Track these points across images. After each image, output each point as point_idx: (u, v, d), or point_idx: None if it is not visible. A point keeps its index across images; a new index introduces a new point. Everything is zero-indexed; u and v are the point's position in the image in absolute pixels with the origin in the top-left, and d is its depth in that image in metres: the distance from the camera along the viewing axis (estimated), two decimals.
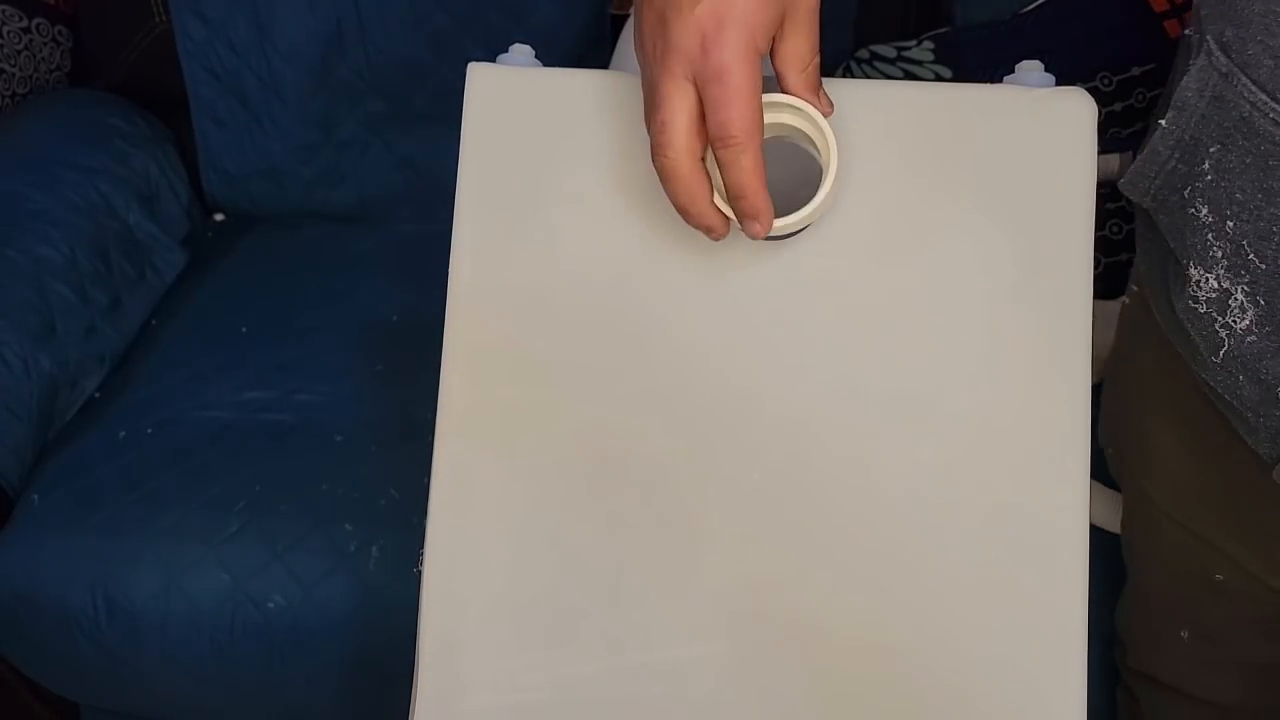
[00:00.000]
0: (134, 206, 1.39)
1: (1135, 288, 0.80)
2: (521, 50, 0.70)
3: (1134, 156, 1.22)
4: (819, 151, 0.62)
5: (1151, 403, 0.79)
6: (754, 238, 0.61)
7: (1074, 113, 0.66)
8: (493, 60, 0.70)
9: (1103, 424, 0.86)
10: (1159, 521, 0.81)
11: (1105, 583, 1.00)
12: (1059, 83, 0.67)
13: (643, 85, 0.61)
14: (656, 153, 0.59)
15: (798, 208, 0.61)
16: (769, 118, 0.60)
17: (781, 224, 0.62)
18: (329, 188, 1.49)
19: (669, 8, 0.57)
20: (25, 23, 1.44)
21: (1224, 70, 0.61)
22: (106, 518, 1.13)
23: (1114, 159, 1.24)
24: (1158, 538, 0.83)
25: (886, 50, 1.31)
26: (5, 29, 1.42)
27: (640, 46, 0.60)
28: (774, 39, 0.59)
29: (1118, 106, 1.26)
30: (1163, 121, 0.65)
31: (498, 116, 0.68)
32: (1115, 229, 1.26)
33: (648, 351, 0.67)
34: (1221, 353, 0.65)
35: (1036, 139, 0.66)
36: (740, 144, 0.58)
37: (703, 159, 0.60)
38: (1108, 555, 1.01)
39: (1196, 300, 0.65)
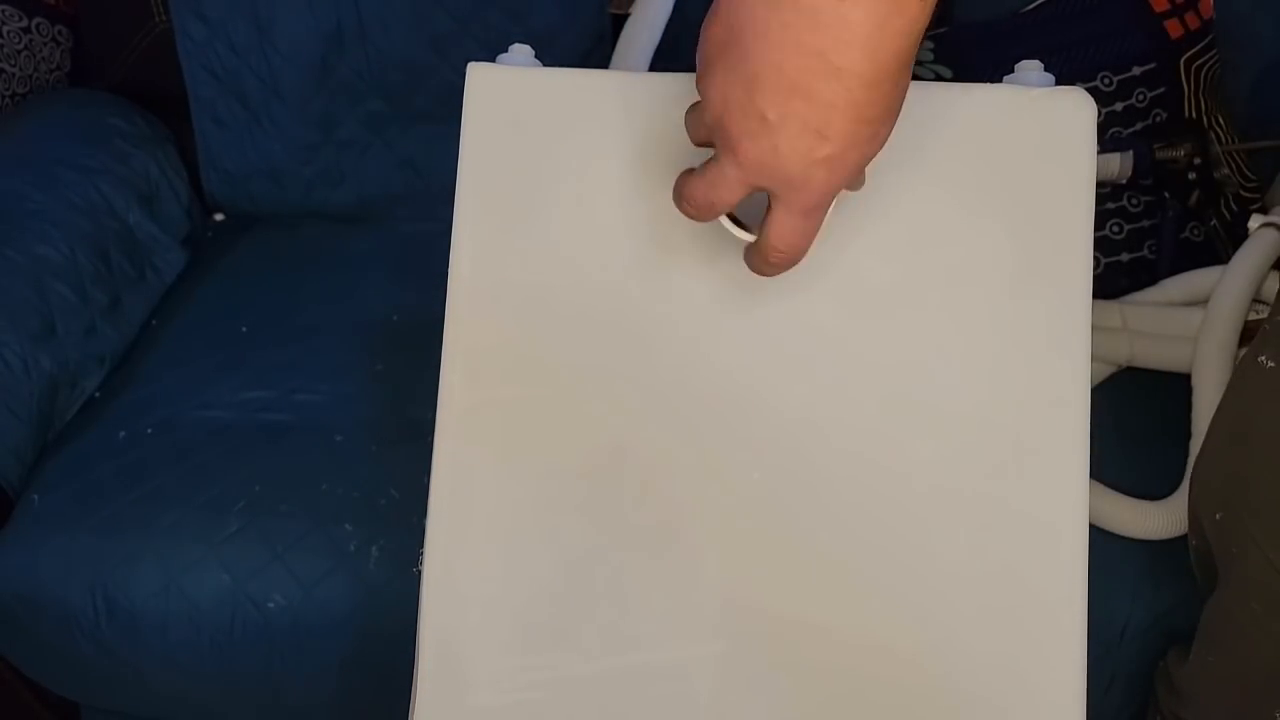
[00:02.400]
0: (134, 206, 1.39)
1: None
2: (521, 50, 0.71)
3: (1135, 156, 1.23)
4: None
5: None
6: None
7: (1073, 112, 0.66)
8: (493, 60, 0.70)
9: (1214, 486, 0.81)
10: None
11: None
12: (1059, 82, 0.67)
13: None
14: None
15: None
16: None
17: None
18: (329, 188, 1.49)
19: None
20: (25, 23, 1.44)
21: None
22: (106, 518, 1.13)
23: (1114, 159, 1.24)
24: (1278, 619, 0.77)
25: None
26: (5, 29, 1.42)
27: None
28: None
29: (1118, 106, 1.26)
30: None
31: (497, 116, 0.68)
32: (1115, 229, 1.26)
33: (647, 351, 0.67)
34: None
35: (1036, 139, 0.66)
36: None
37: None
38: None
39: None
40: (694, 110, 0.60)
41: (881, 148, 0.57)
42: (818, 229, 0.59)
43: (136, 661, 1.13)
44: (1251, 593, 0.80)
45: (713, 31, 0.55)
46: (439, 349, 0.68)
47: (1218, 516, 0.81)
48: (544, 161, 0.68)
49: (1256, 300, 1.05)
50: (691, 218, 0.61)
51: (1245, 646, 0.82)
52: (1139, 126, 1.26)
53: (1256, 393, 0.77)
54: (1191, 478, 0.83)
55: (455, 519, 0.68)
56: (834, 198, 0.58)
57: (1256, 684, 0.82)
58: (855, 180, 0.59)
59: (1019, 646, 0.66)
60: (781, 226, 0.58)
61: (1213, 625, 0.85)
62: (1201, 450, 0.82)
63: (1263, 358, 0.76)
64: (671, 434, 0.67)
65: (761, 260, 0.61)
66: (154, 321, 1.37)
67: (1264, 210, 1.14)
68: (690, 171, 0.60)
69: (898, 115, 0.56)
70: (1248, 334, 1.03)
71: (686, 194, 0.60)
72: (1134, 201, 1.27)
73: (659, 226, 0.66)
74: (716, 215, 0.60)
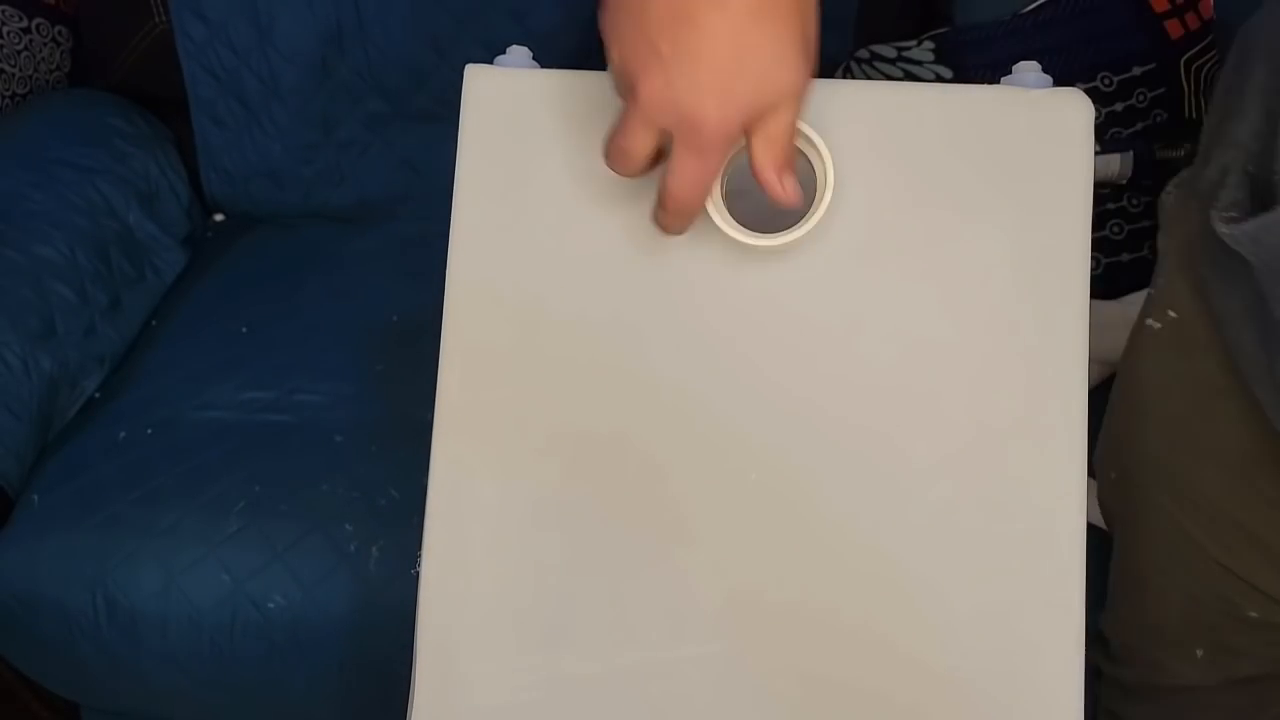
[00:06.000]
0: (134, 206, 1.39)
1: (1174, 314, 0.76)
2: (519, 52, 0.70)
3: (1135, 156, 1.23)
4: (811, 159, 0.63)
5: (1193, 440, 0.76)
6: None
7: (1071, 113, 0.66)
8: (492, 61, 0.70)
9: (1106, 446, 0.84)
10: (1186, 551, 0.79)
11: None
12: (1059, 83, 0.67)
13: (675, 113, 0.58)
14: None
15: (791, 210, 0.62)
16: None
17: (775, 242, 0.62)
18: (329, 188, 1.49)
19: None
20: (25, 23, 1.44)
21: None
22: (106, 518, 1.13)
23: (1115, 159, 1.24)
24: (1183, 568, 0.80)
25: (886, 50, 1.31)
26: (5, 29, 1.42)
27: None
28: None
29: (1118, 106, 1.26)
30: None
31: (495, 118, 0.68)
32: (1116, 229, 1.26)
33: (644, 351, 0.67)
34: None
35: (1033, 139, 0.65)
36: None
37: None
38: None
39: None
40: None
41: (781, 91, 0.57)
42: (713, 177, 0.60)
43: (136, 661, 1.13)
44: (1157, 548, 0.82)
45: None
46: (439, 349, 0.68)
47: (1112, 476, 0.83)
48: (541, 163, 0.68)
49: None
50: (619, 173, 0.61)
51: (1154, 598, 0.84)
52: (1139, 126, 1.26)
53: (1144, 355, 0.79)
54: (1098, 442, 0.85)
55: (452, 519, 0.68)
56: (730, 139, 0.58)
57: (1172, 630, 0.84)
58: (761, 126, 0.58)
59: (1018, 644, 0.66)
60: (678, 167, 0.59)
61: (1123, 581, 0.87)
62: (1106, 414, 0.84)
63: (1149, 320, 0.78)
64: (669, 434, 0.67)
65: (660, 209, 0.62)
66: (154, 321, 1.38)
67: None
68: None
69: (803, 58, 0.57)
70: None
71: (606, 149, 0.61)
72: (1134, 201, 1.27)
73: (655, 227, 0.66)
74: (637, 166, 0.60)
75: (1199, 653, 0.82)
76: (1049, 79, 0.67)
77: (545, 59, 0.71)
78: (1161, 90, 1.26)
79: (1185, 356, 0.75)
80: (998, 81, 0.68)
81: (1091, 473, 0.67)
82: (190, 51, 1.43)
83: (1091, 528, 0.67)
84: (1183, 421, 0.76)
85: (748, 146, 0.60)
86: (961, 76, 1.28)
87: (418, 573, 0.68)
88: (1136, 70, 1.26)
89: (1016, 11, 1.30)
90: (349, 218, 1.50)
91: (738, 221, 0.63)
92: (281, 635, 1.11)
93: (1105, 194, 1.25)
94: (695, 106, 0.56)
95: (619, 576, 0.67)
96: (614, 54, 0.58)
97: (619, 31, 0.58)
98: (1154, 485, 0.80)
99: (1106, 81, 1.26)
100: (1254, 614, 0.77)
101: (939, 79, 1.28)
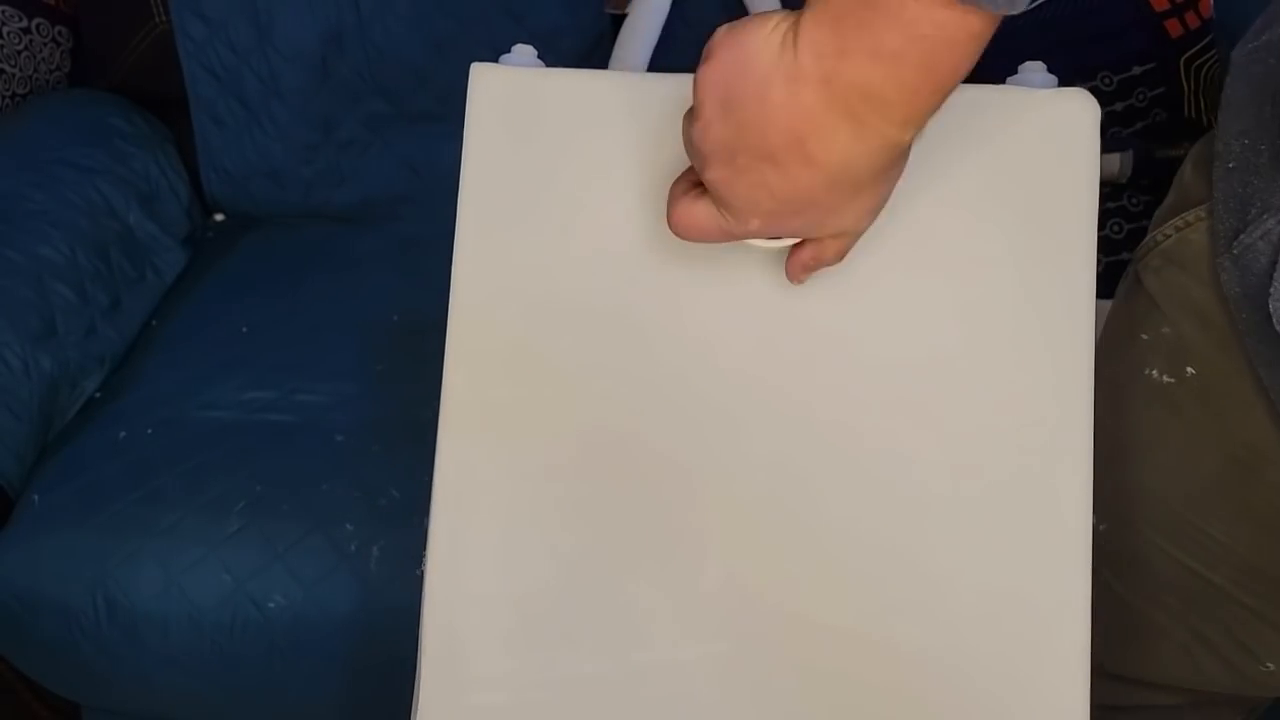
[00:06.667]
0: (134, 206, 1.39)
1: (1192, 370, 0.71)
2: (524, 50, 0.70)
3: (1135, 156, 1.23)
4: None
5: (1228, 501, 0.72)
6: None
7: (1077, 113, 0.66)
8: (495, 60, 0.70)
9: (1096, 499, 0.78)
10: (1204, 597, 0.76)
11: None
12: (1059, 83, 0.67)
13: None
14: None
15: None
16: None
17: (780, 244, 0.62)
18: (330, 188, 1.49)
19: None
20: (25, 23, 1.44)
21: None
22: (107, 518, 1.13)
23: (1115, 159, 1.24)
24: (1197, 611, 0.78)
25: None
26: (5, 29, 1.42)
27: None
28: None
29: (1119, 106, 1.26)
30: None
31: (501, 117, 0.68)
32: (1116, 229, 1.27)
33: (650, 351, 0.67)
34: None
35: (1039, 140, 0.65)
36: None
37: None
38: None
39: None
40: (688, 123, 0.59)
41: (836, 234, 0.59)
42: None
43: (136, 661, 1.13)
44: (1164, 591, 0.79)
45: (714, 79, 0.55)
46: (440, 349, 0.68)
47: (1101, 528, 0.77)
48: (547, 161, 0.68)
49: None
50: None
51: (1147, 635, 0.81)
52: (1139, 126, 1.26)
53: (1149, 406, 0.75)
54: None
55: (457, 518, 0.68)
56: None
57: (1156, 670, 0.82)
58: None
59: (1023, 646, 0.66)
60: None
61: (1117, 629, 0.82)
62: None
63: (1152, 371, 0.74)
64: (674, 434, 0.67)
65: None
66: (154, 321, 1.38)
67: None
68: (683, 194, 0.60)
69: (861, 217, 0.57)
70: None
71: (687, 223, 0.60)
72: (1134, 201, 1.27)
73: (661, 226, 0.66)
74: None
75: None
76: (1054, 79, 0.67)
77: (546, 59, 0.71)
78: (1161, 90, 1.27)
79: (1218, 416, 0.71)
80: (1000, 82, 0.68)
81: None
82: (190, 51, 1.43)
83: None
84: (1217, 482, 0.72)
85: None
86: None
87: (422, 572, 0.68)
88: (1136, 70, 1.26)
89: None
90: (349, 218, 1.50)
91: None
92: (281, 635, 1.11)
93: (1105, 193, 1.25)
94: (745, 211, 0.57)
95: (625, 576, 0.67)
96: (727, 166, 0.56)
97: (729, 141, 0.55)
98: (1161, 537, 0.76)
99: (1106, 81, 1.26)
100: (1270, 665, 0.76)
101: None
